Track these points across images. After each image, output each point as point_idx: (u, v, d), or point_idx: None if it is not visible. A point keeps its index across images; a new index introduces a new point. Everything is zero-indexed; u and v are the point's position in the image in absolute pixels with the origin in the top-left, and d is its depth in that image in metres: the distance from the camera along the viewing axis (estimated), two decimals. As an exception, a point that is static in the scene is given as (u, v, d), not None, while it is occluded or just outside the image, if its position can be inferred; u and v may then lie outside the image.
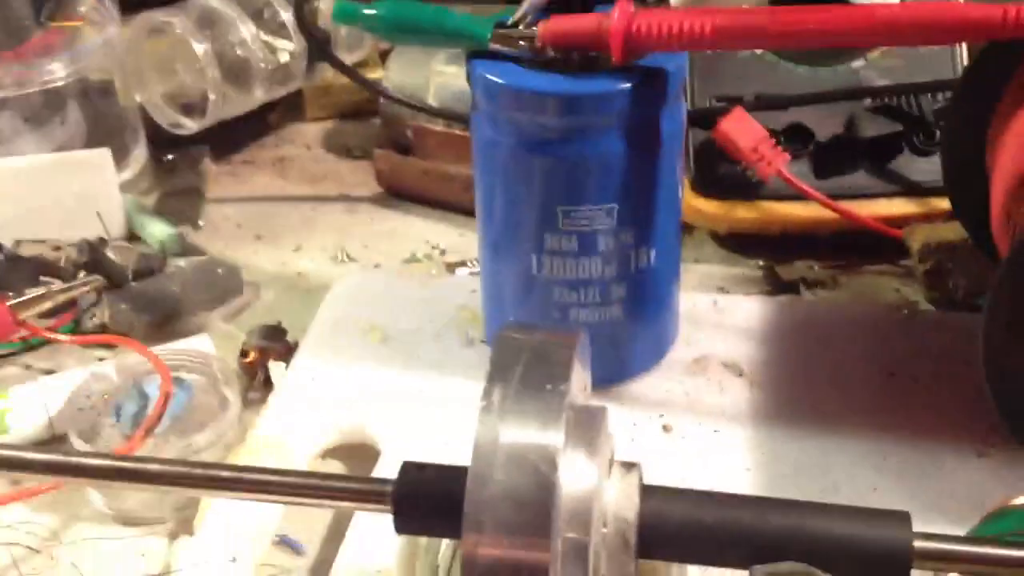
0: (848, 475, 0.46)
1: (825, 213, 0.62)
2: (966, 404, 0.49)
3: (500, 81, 0.46)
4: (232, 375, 0.54)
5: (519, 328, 0.34)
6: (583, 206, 0.47)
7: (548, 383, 0.31)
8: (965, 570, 0.32)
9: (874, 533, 0.32)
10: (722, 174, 0.64)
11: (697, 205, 0.64)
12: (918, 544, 0.31)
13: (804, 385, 0.52)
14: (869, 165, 0.64)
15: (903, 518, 0.32)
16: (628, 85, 0.45)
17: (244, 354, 0.56)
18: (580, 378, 0.34)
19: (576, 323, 0.49)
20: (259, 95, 0.77)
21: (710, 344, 0.54)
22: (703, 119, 0.64)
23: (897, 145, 0.64)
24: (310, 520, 0.48)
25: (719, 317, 0.56)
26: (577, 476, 0.31)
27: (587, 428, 0.32)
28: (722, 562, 0.33)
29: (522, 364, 0.31)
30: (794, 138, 0.64)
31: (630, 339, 0.51)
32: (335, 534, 0.47)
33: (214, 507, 0.46)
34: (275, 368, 0.55)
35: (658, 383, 0.52)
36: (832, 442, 0.48)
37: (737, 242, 0.66)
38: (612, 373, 0.52)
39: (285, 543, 0.47)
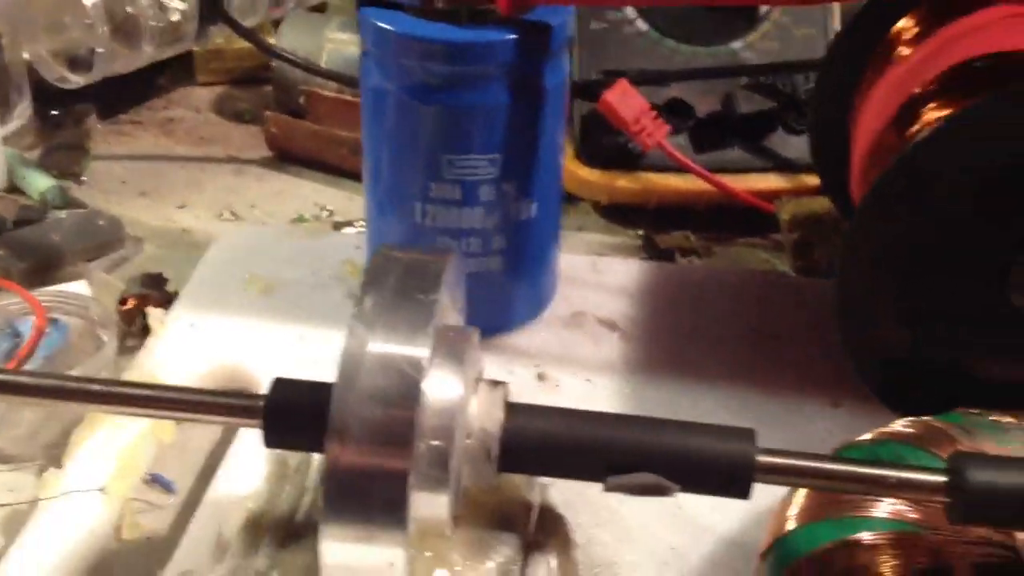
0: (710, 421, 0.48)
1: (702, 186, 0.65)
2: (823, 361, 0.51)
3: (389, 28, 0.47)
4: (110, 319, 0.53)
5: (395, 247, 0.35)
6: (467, 155, 0.48)
7: (420, 293, 0.32)
8: (806, 484, 0.34)
9: (721, 447, 0.33)
10: (605, 145, 0.66)
11: (581, 174, 0.66)
12: (762, 458, 0.33)
13: (673, 340, 0.54)
14: (744, 142, 0.66)
15: (748, 434, 0.34)
16: (513, 36, 0.47)
17: (123, 301, 0.56)
18: (452, 295, 0.35)
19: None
20: (148, 52, 0.76)
21: (587, 301, 0.56)
22: (588, 91, 0.66)
23: (771, 123, 0.66)
24: (183, 460, 0.48)
25: (597, 277, 0.58)
26: (443, 386, 0.32)
27: (456, 342, 0.33)
28: (580, 475, 0.34)
29: (395, 276, 0.32)
30: (674, 113, 0.66)
31: (509, 291, 0.53)
32: (208, 474, 0.47)
33: (84, 445, 0.45)
34: (154, 314, 0.55)
35: (535, 335, 0.54)
36: (697, 392, 0.50)
37: (618, 212, 0.68)
38: (491, 324, 0.52)
39: (156, 481, 0.47)
